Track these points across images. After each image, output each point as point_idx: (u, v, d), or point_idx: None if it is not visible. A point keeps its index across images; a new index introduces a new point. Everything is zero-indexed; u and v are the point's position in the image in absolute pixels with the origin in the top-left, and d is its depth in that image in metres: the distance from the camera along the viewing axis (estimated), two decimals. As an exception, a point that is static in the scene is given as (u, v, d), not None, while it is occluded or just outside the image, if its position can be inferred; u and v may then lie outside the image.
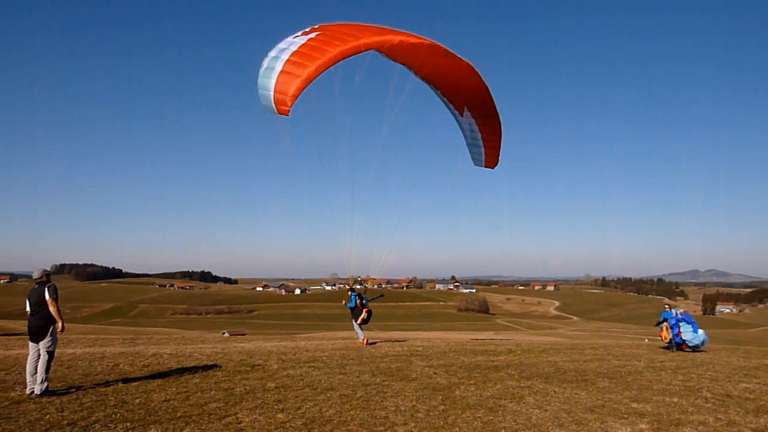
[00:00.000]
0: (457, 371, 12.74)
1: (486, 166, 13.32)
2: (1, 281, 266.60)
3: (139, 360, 12.98)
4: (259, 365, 12.63)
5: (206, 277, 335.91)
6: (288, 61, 8.94)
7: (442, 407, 8.91)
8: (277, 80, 8.90)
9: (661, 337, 21.24)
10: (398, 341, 21.35)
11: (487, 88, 11.91)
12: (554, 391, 10.60)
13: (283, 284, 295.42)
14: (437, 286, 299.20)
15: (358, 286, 19.43)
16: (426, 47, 10.37)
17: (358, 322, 18.61)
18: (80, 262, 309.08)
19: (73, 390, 9.30)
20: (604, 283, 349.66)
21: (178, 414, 7.93)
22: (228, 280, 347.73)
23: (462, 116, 12.41)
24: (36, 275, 9.42)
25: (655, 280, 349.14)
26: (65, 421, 7.40)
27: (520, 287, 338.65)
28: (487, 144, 12.68)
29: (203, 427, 7.36)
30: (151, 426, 7.33)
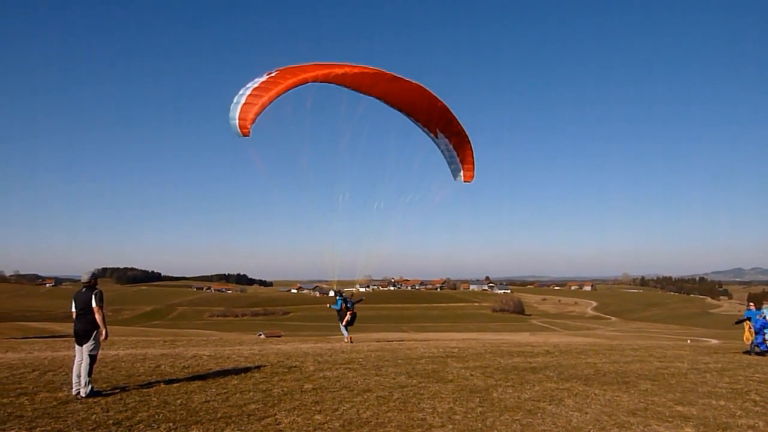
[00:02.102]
0: (494, 373, 12.62)
1: (464, 182, 14.37)
2: (47, 285, 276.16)
3: (180, 361, 13.25)
4: (296, 367, 12.75)
5: (242, 279, 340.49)
6: (249, 94, 10.93)
7: (480, 409, 8.83)
8: (240, 110, 10.85)
9: (744, 338, 19.42)
10: (433, 342, 21.26)
11: (447, 108, 12.98)
12: (594, 394, 10.40)
13: (317, 286, 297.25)
14: (471, 287, 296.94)
15: (355, 289, 21.31)
16: (370, 76, 11.83)
17: (344, 323, 20.30)
18: (121, 266, 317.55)
19: (118, 390, 9.55)
20: (643, 282, 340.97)
21: (219, 415, 8.06)
22: (263, 283, 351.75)
23: (438, 138, 13.66)
24: (85, 278, 9.68)
25: (697, 278, 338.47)
26: (111, 421, 7.60)
27: (556, 287, 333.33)
28: (463, 161, 13.87)
29: (243, 428, 7.46)
30: (193, 426, 7.47)
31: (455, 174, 14.17)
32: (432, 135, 13.58)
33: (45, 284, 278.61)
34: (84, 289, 9.65)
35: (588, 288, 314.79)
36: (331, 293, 21.05)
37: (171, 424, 7.51)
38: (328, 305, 21.31)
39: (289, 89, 10.92)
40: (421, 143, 14.06)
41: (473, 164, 13.83)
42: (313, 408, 8.63)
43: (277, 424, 7.68)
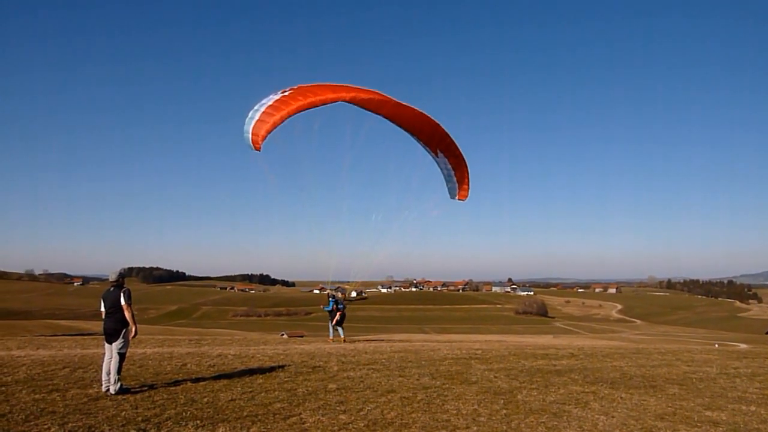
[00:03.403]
0: (518, 375, 12.53)
1: (459, 199, 15.25)
2: (75, 284, 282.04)
3: (205, 360, 13.43)
4: (319, 367, 12.83)
5: (265, 279, 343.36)
6: (263, 112, 11.75)
7: (504, 411, 8.79)
8: (254, 125, 11.66)
9: None
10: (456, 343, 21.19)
11: (447, 134, 13.97)
12: (621, 397, 10.27)
13: (339, 287, 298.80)
14: (494, 289, 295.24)
15: (340, 294, 22.92)
16: (377, 102, 12.82)
17: (333, 323, 21.78)
18: (147, 266, 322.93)
19: (146, 388, 9.72)
20: (670, 285, 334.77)
21: (245, 413, 8.15)
22: (286, 283, 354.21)
23: (438, 157, 14.57)
24: (113, 277, 9.87)
25: (726, 281, 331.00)
26: (140, 418, 7.75)
27: (579, 290, 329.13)
28: (459, 180, 14.78)
29: (269, 427, 7.54)
30: (220, 424, 7.57)
31: (452, 193, 15.10)
32: (433, 154, 14.51)
33: (73, 283, 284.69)
34: (112, 288, 9.82)
35: (613, 290, 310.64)
36: (328, 290, 22.23)
37: (198, 422, 7.63)
38: (321, 306, 22.71)
39: (299, 111, 11.69)
40: (420, 163, 14.93)
41: (468, 185, 14.85)
42: (338, 408, 8.68)
43: (303, 424, 7.74)
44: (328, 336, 22.04)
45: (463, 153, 14.55)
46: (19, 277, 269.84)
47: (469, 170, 14.72)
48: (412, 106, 13.35)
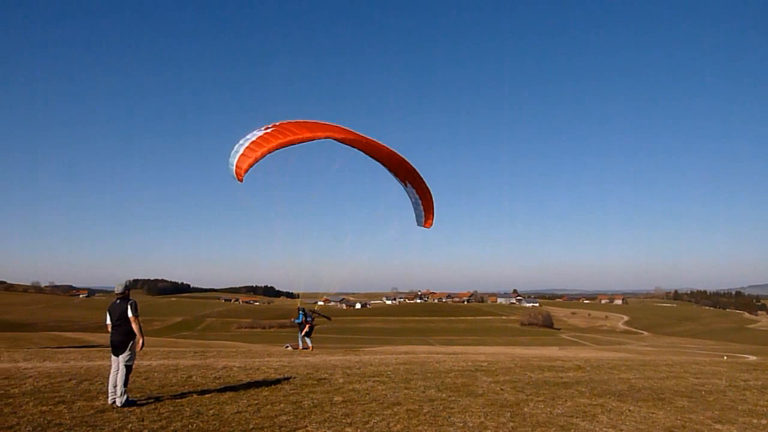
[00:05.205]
0: (525, 387, 12.46)
1: (425, 227, 16.71)
2: (81, 296, 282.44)
3: (211, 372, 13.41)
4: (324, 379, 12.79)
5: (269, 291, 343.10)
6: (246, 147, 13.09)
7: (511, 424, 8.73)
8: (237, 159, 13.03)
9: None
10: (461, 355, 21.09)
11: (414, 169, 15.37)
12: (629, 410, 10.19)
13: (343, 299, 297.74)
14: (499, 300, 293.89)
15: (318, 304, 24.83)
16: (349, 140, 14.13)
17: (302, 333, 23.46)
18: (151, 278, 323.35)
19: (152, 400, 9.71)
20: (677, 296, 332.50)
21: (251, 426, 8.13)
22: (290, 295, 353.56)
23: (406, 187, 15.97)
24: (118, 289, 9.89)
25: (733, 292, 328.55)
26: (146, 430, 7.74)
27: (585, 301, 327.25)
28: (426, 209, 16.18)
29: (275, 440, 7.50)
30: (226, 437, 7.54)
31: (419, 220, 16.52)
32: (402, 184, 16.00)
33: (78, 295, 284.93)
34: (118, 301, 9.84)
35: (619, 302, 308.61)
36: (321, 302, 24.76)
37: (204, 435, 7.60)
38: (291, 319, 25.42)
39: (279, 148, 13.10)
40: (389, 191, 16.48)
41: (433, 214, 16.41)
42: (344, 421, 8.65)
43: (309, 436, 7.71)
44: (299, 345, 23.94)
45: (428, 185, 16.20)
46: (24, 289, 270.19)
47: (433, 201, 16.17)
48: (382, 143, 14.92)
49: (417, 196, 16.01)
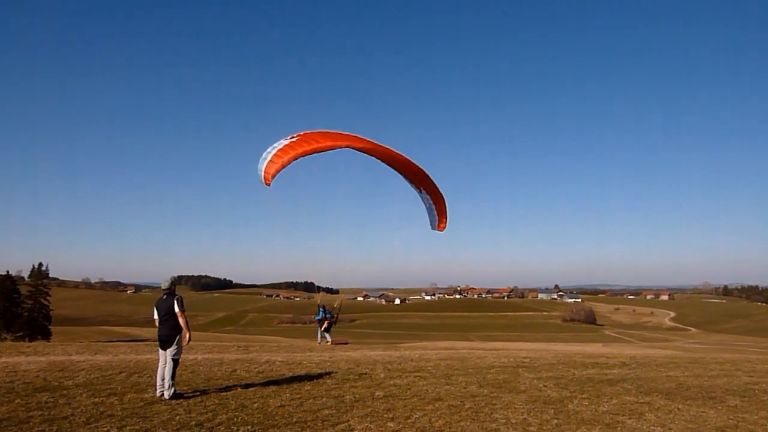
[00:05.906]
0: (568, 384, 12.25)
1: (438, 230, 17.29)
2: (129, 291, 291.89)
3: (254, 366, 13.67)
4: (366, 374, 12.87)
5: (309, 287, 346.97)
6: (274, 154, 13.81)
7: (555, 421, 8.60)
8: (266, 165, 13.81)
9: None
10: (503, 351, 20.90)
11: (426, 174, 15.95)
12: (678, 409, 9.90)
13: (383, 294, 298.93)
14: (540, 296, 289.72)
15: (336, 304, 26.29)
16: (368, 149, 14.66)
17: (322, 329, 24.57)
18: (195, 274, 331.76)
19: (198, 393, 9.96)
20: (726, 291, 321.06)
21: (294, 419, 8.25)
22: (330, 290, 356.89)
23: (421, 193, 16.63)
24: (165, 285, 10.18)
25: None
26: (193, 422, 7.94)
27: (630, 296, 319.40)
28: (439, 214, 16.86)
29: (318, 433, 7.59)
30: (270, 430, 7.68)
31: (433, 224, 17.28)
32: (417, 190, 16.74)
33: (126, 291, 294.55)
34: (165, 296, 10.11)
35: (665, 297, 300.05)
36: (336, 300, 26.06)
37: (249, 427, 7.76)
38: (312, 316, 26.89)
39: (303, 155, 13.82)
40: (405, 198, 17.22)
41: (446, 218, 17.08)
42: (386, 415, 8.68)
43: (351, 431, 7.78)
44: (317, 340, 25.14)
45: (442, 191, 17.07)
46: (75, 285, 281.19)
47: (446, 205, 16.94)
48: (399, 152, 15.61)
49: (431, 202, 16.84)
